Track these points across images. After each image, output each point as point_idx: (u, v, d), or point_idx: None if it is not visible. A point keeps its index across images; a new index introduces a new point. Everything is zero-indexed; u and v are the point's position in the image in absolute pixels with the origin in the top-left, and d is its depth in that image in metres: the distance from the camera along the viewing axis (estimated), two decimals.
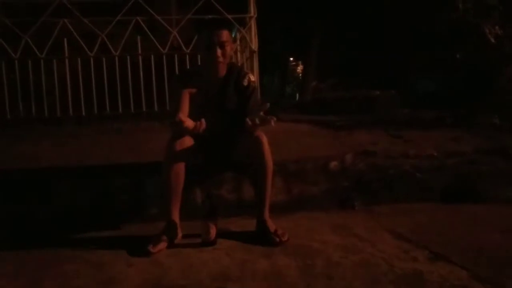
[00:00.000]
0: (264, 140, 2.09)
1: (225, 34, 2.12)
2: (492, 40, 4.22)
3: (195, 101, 2.19)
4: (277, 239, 2.05)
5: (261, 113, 1.99)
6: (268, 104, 2.03)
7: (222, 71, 2.21)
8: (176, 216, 2.11)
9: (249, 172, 2.24)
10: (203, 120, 1.98)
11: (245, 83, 2.22)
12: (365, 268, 1.77)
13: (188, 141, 2.09)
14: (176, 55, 3.84)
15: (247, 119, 1.97)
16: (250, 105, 2.19)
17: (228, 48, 2.15)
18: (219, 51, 2.11)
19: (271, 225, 2.13)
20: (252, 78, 2.28)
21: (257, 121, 1.96)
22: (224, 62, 2.17)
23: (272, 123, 1.95)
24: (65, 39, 3.73)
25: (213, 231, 2.07)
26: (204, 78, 2.22)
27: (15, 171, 2.44)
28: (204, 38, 2.13)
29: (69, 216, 2.38)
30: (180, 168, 2.08)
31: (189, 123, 1.97)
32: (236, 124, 2.13)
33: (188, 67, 3.79)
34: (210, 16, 3.67)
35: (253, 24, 3.92)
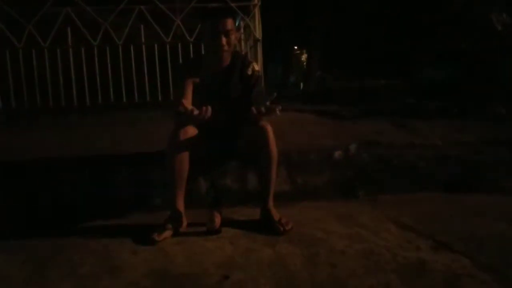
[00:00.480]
0: (269, 129, 2.08)
1: (229, 23, 2.10)
2: (499, 28, 4.17)
3: (199, 90, 2.18)
4: (281, 228, 2.06)
5: (268, 103, 1.97)
6: (275, 94, 2.01)
7: (226, 59, 2.20)
8: (180, 205, 2.12)
9: (253, 161, 2.24)
10: (209, 107, 1.95)
11: (249, 71, 2.21)
12: (369, 257, 1.78)
13: (191, 131, 2.09)
14: (179, 44, 3.83)
15: (253, 108, 1.96)
16: (254, 94, 2.18)
17: (232, 37, 2.13)
18: (223, 40, 2.09)
19: (275, 214, 2.14)
20: (256, 67, 2.26)
21: (263, 110, 1.95)
22: (228, 51, 2.16)
23: (278, 112, 1.94)
24: (69, 28, 3.73)
25: (217, 220, 2.09)
26: (208, 67, 2.21)
27: (20, 161, 2.46)
28: (209, 27, 2.11)
29: (75, 205, 2.40)
30: (184, 157, 2.09)
31: (194, 110, 1.97)
32: (240, 113, 2.13)
33: (191, 55, 3.77)
34: (213, 5, 3.65)
35: (257, 12, 3.90)
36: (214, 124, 2.11)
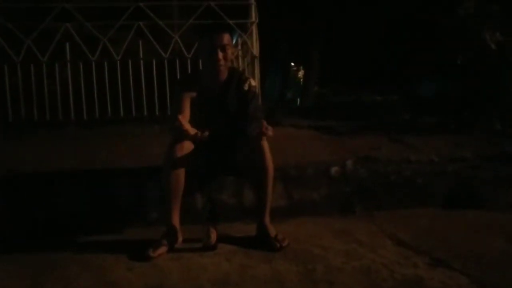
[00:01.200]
0: (265, 145, 2.09)
1: (226, 38, 2.12)
2: (493, 46, 4.22)
3: (196, 105, 2.19)
4: (278, 244, 2.04)
5: (262, 121, 1.98)
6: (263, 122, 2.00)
7: (223, 75, 2.21)
8: (176, 221, 2.10)
9: (249, 177, 2.23)
10: (206, 132, 1.97)
11: (246, 87, 2.21)
12: (366, 274, 1.77)
13: (188, 146, 2.09)
14: (177, 60, 3.86)
15: (251, 129, 1.97)
16: (251, 110, 2.18)
17: (229, 52, 2.14)
18: (220, 54, 2.10)
19: (272, 230, 2.13)
20: (253, 83, 2.27)
21: (262, 130, 1.96)
22: (225, 66, 2.17)
23: (271, 133, 1.96)
24: (67, 43, 3.75)
25: (213, 236, 2.07)
26: (205, 82, 2.22)
27: (16, 173, 2.44)
28: (206, 42, 2.13)
29: (70, 219, 2.38)
30: (180, 173, 2.08)
31: (189, 129, 1.97)
32: (237, 128, 2.14)
33: (189, 71, 3.80)
34: (211, 21, 3.69)
35: (254, 29, 3.94)
36: (211, 139, 2.11)
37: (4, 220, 2.33)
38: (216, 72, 2.17)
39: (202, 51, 2.21)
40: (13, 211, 2.36)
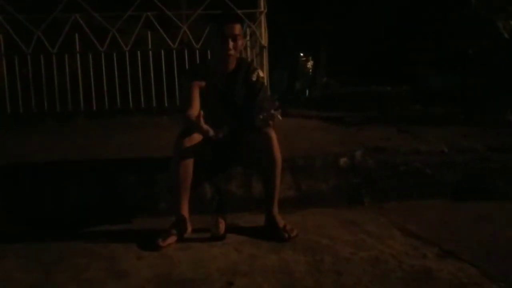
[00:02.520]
0: (273, 136, 2.08)
1: (237, 27, 2.11)
2: (506, 35, 4.16)
3: (204, 95, 2.19)
4: (286, 235, 2.05)
5: (272, 111, 1.97)
6: (277, 103, 2.00)
7: (232, 64, 2.19)
8: (185, 211, 2.12)
9: (257, 167, 2.24)
10: (221, 133, 2.00)
11: (254, 78, 2.20)
12: (374, 265, 1.77)
13: (197, 137, 2.09)
14: (186, 50, 3.85)
15: (257, 118, 1.97)
16: (259, 101, 2.16)
17: (239, 42, 2.14)
18: (230, 44, 2.09)
19: (280, 220, 2.13)
20: (261, 73, 2.26)
21: (267, 121, 1.98)
22: (234, 56, 2.15)
23: (279, 117, 1.96)
24: (77, 34, 3.77)
25: (222, 226, 2.08)
26: (214, 72, 2.21)
27: (27, 164, 2.48)
28: (217, 30, 2.11)
29: (80, 210, 2.41)
30: (189, 164, 2.09)
31: (204, 126, 1.98)
32: (245, 118, 2.13)
33: (198, 62, 3.79)
34: (220, 12, 3.67)
35: (263, 19, 3.92)
36: (219, 128, 2.12)
37: (13, 212, 2.36)
38: (225, 62, 2.16)
39: (212, 40, 2.18)
40: (21, 202, 2.39)
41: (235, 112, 2.18)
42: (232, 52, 2.11)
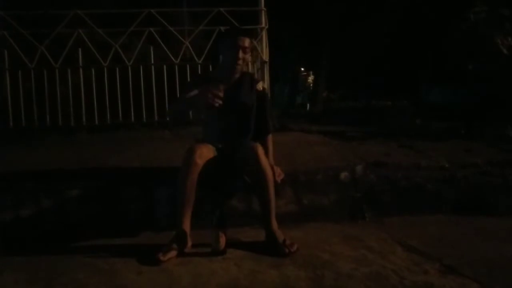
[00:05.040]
0: (260, 151, 2.14)
1: (247, 41, 2.27)
2: (505, 51, 4.19)
3: None
4: (286, 250, 2.04)
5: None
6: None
7: (237, 75, 2.33)
8: (186, 226, 2.12)
9: (252, 181, 2.27)
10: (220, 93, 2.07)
11: (260, 87, 2.37)
12: (376, 280, 1.76)
13: (206, 152, 2.16)
14: (188, 66, 3.89)
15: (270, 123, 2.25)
16: (267, 109, 2.35)
17: (247, 55, 2.29)
18: (241, 54, 2.23)
19: (280, 235, 2.13)
20: (263, 85, 2.43)
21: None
22: (241, 67, 2.30)
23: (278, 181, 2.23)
24: (80, 49, 3.81)
25: (222, 241, 2.08)
26: (218, 81, 2.28)
27: (27, 178, 2.48)
28: (229, 42, 2.25)
29: (80, 223, 2.41)
30: (195, 178, 2.11)
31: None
32: (247, 127, 2.29)
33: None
34: (222, 27, 3.72)
35: (264, 35, 3.96)
36: (222, 137, 2.26)
37: (13, 224, 2.36)
38: (233, 71, 2.29)
39: (223, 51, 2.30)
40: (21, 215, 2.38)
41: (244, 115, 2.30)
42: (240, 62, 2.26)
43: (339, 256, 2.01)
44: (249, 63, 4.11)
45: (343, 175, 2.61)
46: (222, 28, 3.70)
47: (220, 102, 2.06)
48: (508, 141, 3.51)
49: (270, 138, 2.39)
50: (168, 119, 2.37)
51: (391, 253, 2.05)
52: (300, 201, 2.54)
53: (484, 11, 4.46)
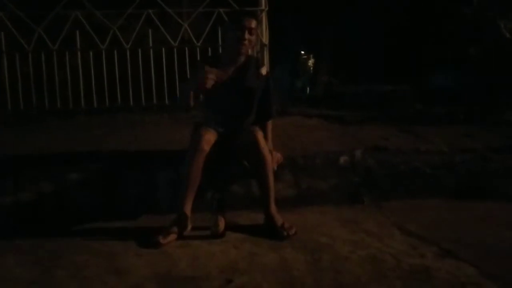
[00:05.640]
0: (260, 136, 2.16)
1: (254, 23, 2.27)
2: (507, 35, 4.15)
3: (217, 85, 2.25)
4: (285, 233, 2.06)
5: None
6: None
7: (243, 57, 2.31)
8: (188, 209, 2.13)
9: (252, 166, 2.28)
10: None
11: (264, 71, 2.36)
12: (373, 263, 1.77)
13: (212, 137, 2.17)
14: (187, 48, 3.85)
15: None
16: (270, 93, 2.36)
17: (254, 37, 2.29)
18: (247, 34, 2.23)
19: (278, 218, 2.14)
20: (267, 69, 2.43)
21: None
22: (247, 48, 2.29)
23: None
24: (77, 32, 3.77)
25: (221, 224, 2.09)
26: (226, 63, 2.31)
27: (26, 161, 2.48)
28: (235, 24, 2.25)
29: (81, 207, 2.42)
30: (201, 162, 2.13)
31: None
32: (251, 108, 2.30)
33: (198, 59, 3.79)
34: (221, 9, 3.68)
35: (264, 17, 3.91)
36: (226, 118, 2.27)
37: (13, 208, 2.37)
38: (238, 52, 2.28)
39: (229, 32, 2.31)
40: (21, 198, 2.39)
41: (245, 99, 2.31)
42: (246, 42, 2.25)
43: (337, 240, 2.03)
44: (255, 46, 4.08)
45: (342, 159, 2.60)
46: (222, 10, 3.67)
47: (212, 82, 2.08)
48: (508, 126, 3.50)
49: (270, 123, 2.39)
50: (179, 101, 2.38)
51: (389, 236, 2.06)
52: (299, 185, 2.55)
53: None
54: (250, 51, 2.43)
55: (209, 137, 2.16)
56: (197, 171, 2.12)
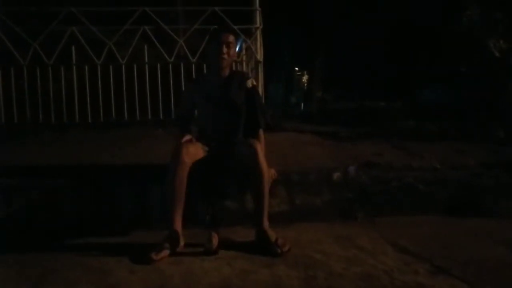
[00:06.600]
0: (259, 149, 2.15)
1: (231, 37, 2.33)
2: (497, 53, 4.23)
3: (203, 101, 2.37)
4: (278, 250, 2.05)
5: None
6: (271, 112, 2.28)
7: (225, 71, 2.37)
8: (178, 225, 2.12)
9: (247, 181, 2.27)
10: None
11: (249, 84, 2.39)
12: (367, 280, 1.77)
13: (193, 150, 2.15)
14: (182, 64, 3.88)
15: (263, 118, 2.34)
16: (257, 104, 2.38)
17: (232, 50, 2.33)
18: (225, 49, 2.29)
19: (272, 234, 2.13)
20: (254, 82, 2.47)
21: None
22: (227, 62, 2.33)
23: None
24: (73, 47, 3.79)
25: (215, 240, 2.08)
26: (210, 79, 2.40)
27: (19, 174, 2.47)
28: (214, 38, 2.32)
29: (73, 221, 2.40)
30: (184, 177, 2.11)
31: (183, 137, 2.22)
32: (240, 124, 2.33)
33: (194, 75, 3.83)
34: (219, 25, 3.72)
35: (258, 35, 3.96)
36: (214, 134, 2.31)
37: (6, 222, 2.35)
38: (219, 66, 2.33)
39: (209, 49, 2.37)
40: (14, 213, 2.37)
41: (231, 115, 2.34)
42: (225, 56, 2.30)
43: (331, 256, 2.02)
44: (244, 62, 4.12)
45: (336, 175, 2.62)
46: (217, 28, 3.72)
47: (191, 139, 2.22)
48: (499, 142, 3.54)
49: (261, 133, 2.38)
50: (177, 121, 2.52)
51: (382, 253, 2.06)
52: (293, 201, 2.55)
53: (477, 14, 4.49)
54: (234, 66, 2.50)
55: (189, 150, 2.14)
56: (180, 185, 2.10)
